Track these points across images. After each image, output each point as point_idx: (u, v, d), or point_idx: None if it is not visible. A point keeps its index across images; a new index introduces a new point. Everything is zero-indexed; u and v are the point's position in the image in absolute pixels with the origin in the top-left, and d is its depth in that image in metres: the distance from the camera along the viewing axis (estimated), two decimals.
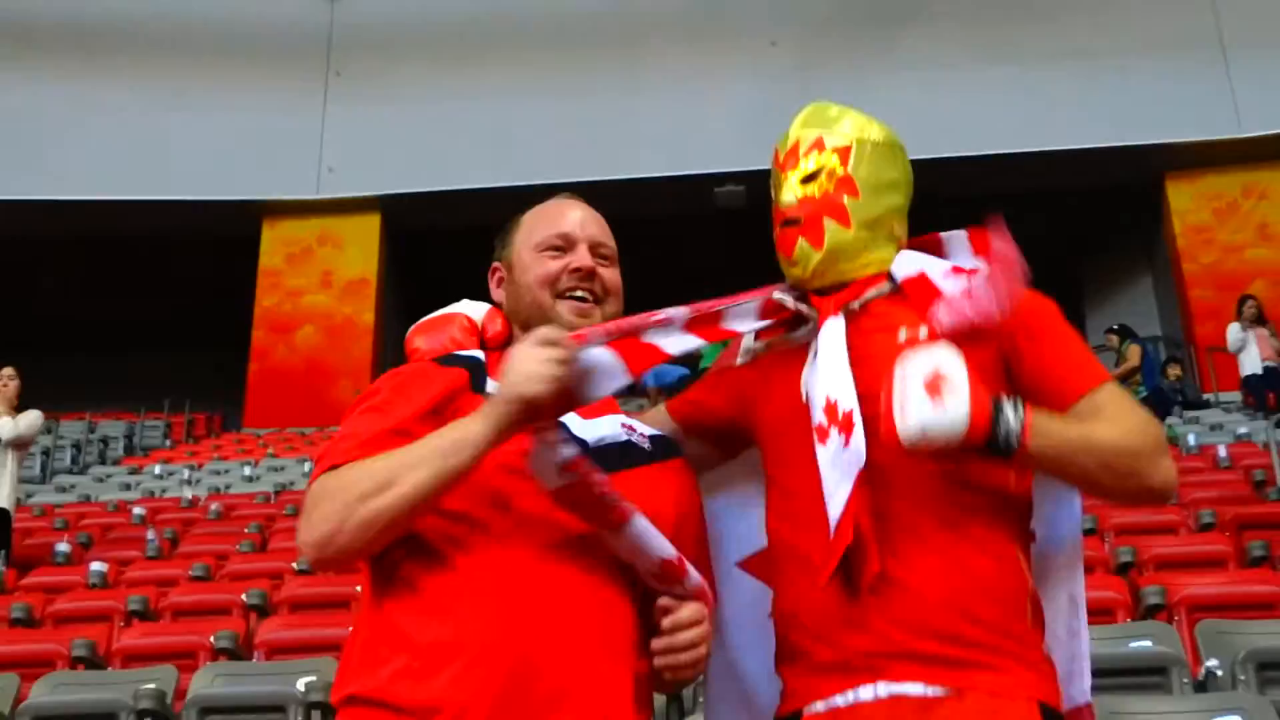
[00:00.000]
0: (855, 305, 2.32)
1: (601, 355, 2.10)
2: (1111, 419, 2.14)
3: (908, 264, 2.37)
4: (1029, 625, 2.17)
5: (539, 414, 1.98)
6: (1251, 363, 14.14)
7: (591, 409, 2.28)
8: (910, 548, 2.14)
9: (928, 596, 2.11)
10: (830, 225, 2.31)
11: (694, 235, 19.21)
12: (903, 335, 2.21)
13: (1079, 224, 19.20)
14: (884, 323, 2.27)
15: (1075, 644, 2.31)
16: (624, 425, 2.34)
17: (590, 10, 20.13)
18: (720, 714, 2.47)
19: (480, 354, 2.32)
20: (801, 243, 2.32)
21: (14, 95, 19.76)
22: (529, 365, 1.97)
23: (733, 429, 2.46)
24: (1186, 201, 18.68)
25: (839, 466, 2.15)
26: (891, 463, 2.13)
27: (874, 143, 2.39)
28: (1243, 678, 5.16)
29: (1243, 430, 12.76)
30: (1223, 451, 10.82)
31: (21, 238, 19.55)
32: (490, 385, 2.20)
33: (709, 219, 18.60)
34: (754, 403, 2.39)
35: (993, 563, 2.16)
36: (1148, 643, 5.36)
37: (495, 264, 2.48)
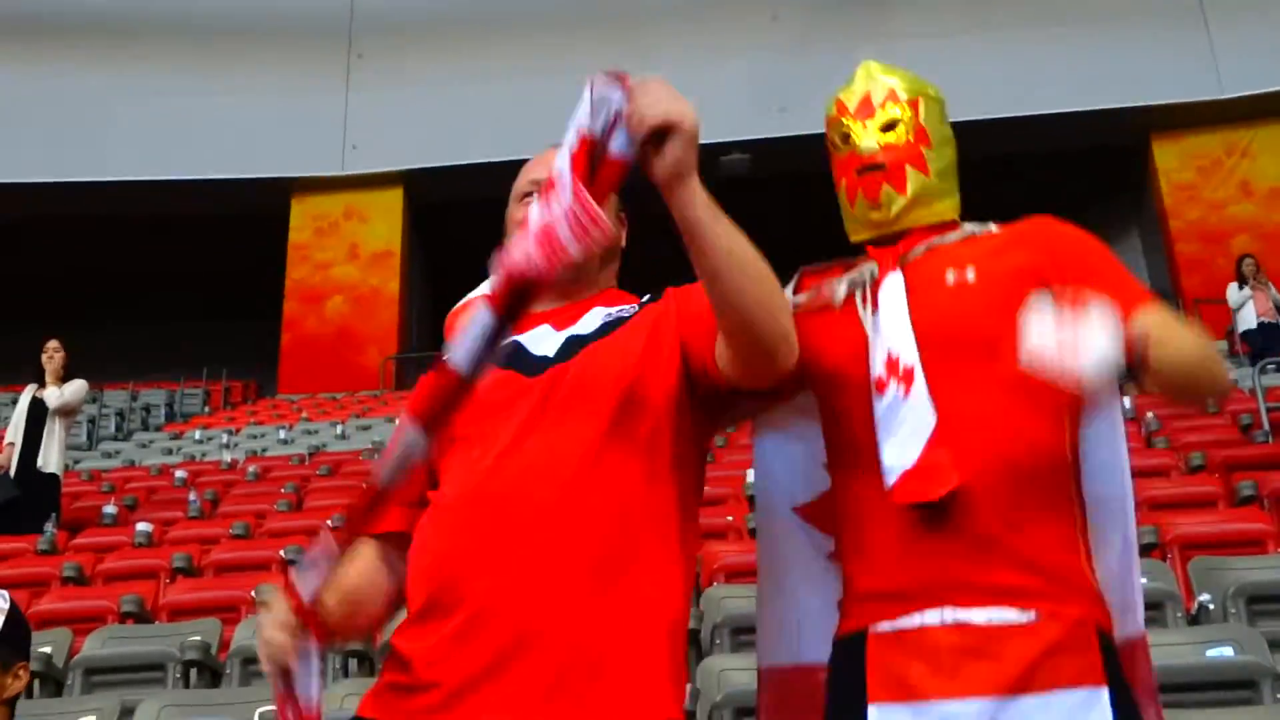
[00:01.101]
0: (918, 252, 2.32)
1: None
2: (1179, 330, 2.12)
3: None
4: (1083, 559, 2.17)
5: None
6: (1249, 319, 14.10)
7: (573, 313, 2.29)
8: (974, 491, 2.12)
9: (992, 534, 2.10)
10: (912, 172, 2.33)
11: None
12: (950, 277, 2.25)
13: (1070, 184, 19.10)
14: (937, 270, 2.28)
15: (1129, 579, 2.29)
16: (611, 310, 2.30)
17: None
18: (776, 651, 2.45)
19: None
20: (887, 188, 2.32)
21: (61, 81, 19.77)
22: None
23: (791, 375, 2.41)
24: (1172, 160, 18.61)
25: (900, 419, 2.15)
26: (947, 416, 2.13)
27: (934, 98, 2.42)
28: (1233, 611, 5.18)
29: (1230, 378, 12.73)
30: (1212, 400, 10.79)
31: (67, 216, 19.61)
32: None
33: (713, 188, 18.45)
34: (807, 352, 2.29)
35: (1050, 504, 2.15)
36: (1143, 580, 5.36)
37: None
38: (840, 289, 2.35)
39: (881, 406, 2.18)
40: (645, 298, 2.34)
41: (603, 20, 19.72)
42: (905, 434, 2.15)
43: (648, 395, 2.15)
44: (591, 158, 1.94)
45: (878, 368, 2.20)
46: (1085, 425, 2.27)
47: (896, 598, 2.15)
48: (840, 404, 2.30)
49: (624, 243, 2.46)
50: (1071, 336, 1.89)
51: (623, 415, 2.11)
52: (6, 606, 2.91)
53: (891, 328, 2.22)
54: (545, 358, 2.20)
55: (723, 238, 1.97)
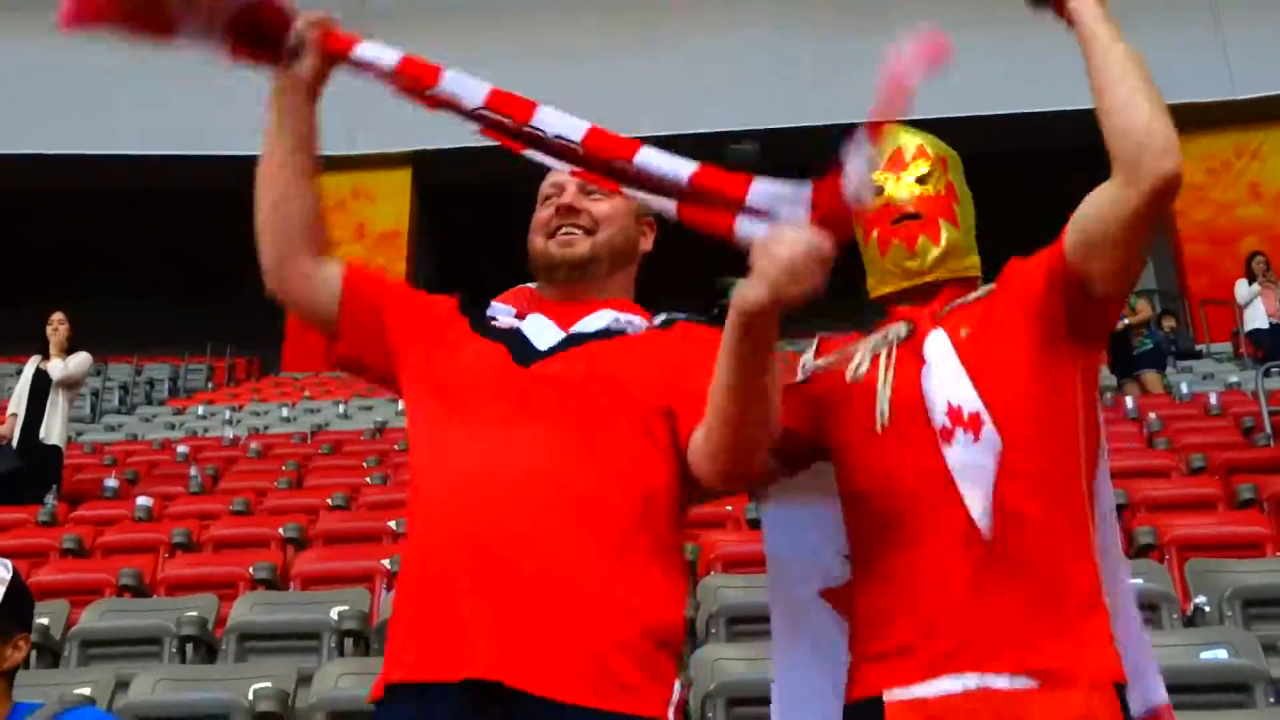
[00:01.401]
0: (946, 310, 2.36)
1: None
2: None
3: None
4: (1101, 608, 2.19)
5: None
6: (1258, 317, 14.01)
7: (581, 311, 2.34)
8: (1019, 539, 2.16)
9: (1029, 587, 2.13)
10: (944, 224, 2.38)
11: None
12: (963, 334, 2.30)
13: (1077, 182, 18.91)
14: (956, 328, 2.32)
15: (1142, 645, 2.34)
16: (619, 316, 2.35)
17: None
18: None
19: (505, 306, 2.42)
20: (923, 238, 2.36)
21: (66, 54, 19.71)
22: None
23: (804, 444, 2.42)
24: (1184, 162, 18.52)
25: (973, 463, 2.18)
26: (1010, 461, 2.18)
27: (956, 159, 2.48)
28: (1229, 613, 5.17)
29: (1233, 379, 12.76)
30: (1214, 399, 10.81)
31: (72, 188, 19.59)
32: (501, 318, 2.37)
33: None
34: (829, 417, 2.38)
35: (1075, 552, 2.19)
36: (1139, 580, 5.35)
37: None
38: (862, 357, 2.36)
39: (955, 454, 2.20)
40: (658, 319, 2.38)
41: (613, 7, 19.69)
42: (983, 477, 2.18)
43: (633, 407, 2.19)
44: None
45: (939, 419, 2.23)
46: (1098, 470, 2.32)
47: (927, 655, 2.15)
48: (887, 463, 2.28)
49: (649, 248, 2.50)
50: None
51: (604, 415, 2.16)
52: (9, 576, 2.90)
53: (948, 379, 2.25)
54: (540, 350, 2.25)
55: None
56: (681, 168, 2.11)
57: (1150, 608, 5.14)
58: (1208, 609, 5.25)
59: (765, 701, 4.23)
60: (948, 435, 2.21)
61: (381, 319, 2.39)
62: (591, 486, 2.10)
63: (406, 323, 2.38)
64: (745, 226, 2.02)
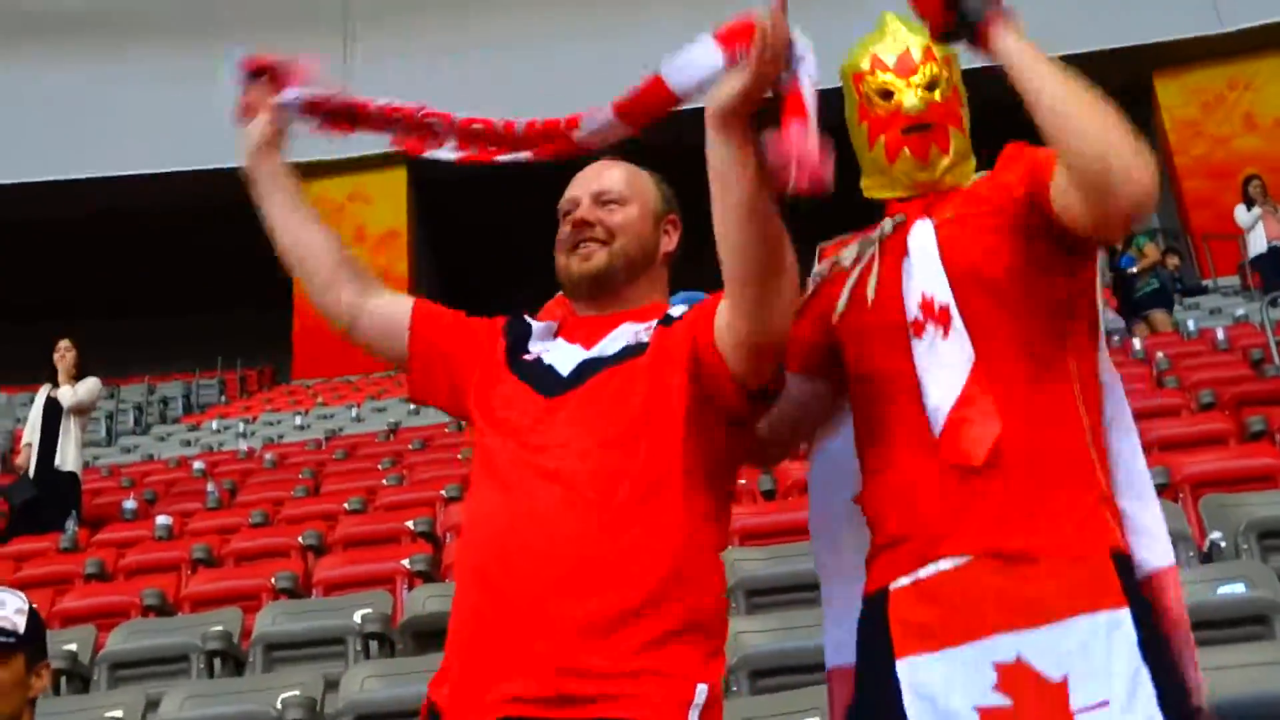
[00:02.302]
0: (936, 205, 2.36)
1: None
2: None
3: None
4: (1092, 458, 2.19)
5: None
6: (1259, 242, 13.85)
7: (607, 327, 2.36)
8: (1007, 440, 2.15)
9: (1022, 485, 2.13)
10: (954, 131, 2.36)
11: (697, 165, 19.06)
12: (948, 215, 2.31)
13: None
14: (957, 212, 2.32)
15: (1149, 508, 2.28)
16: (638, 327, 2.35)
17: None
18: (837, 653, 2.44)
19: (547, 323, 2.46)
20: (934, 148, 2.34)
21: (66, 78, 19.79)
22: None
23: (822, 352, 2.45)
24: (1175, 97, 18.50)
25: (939, 359, 2.21)
26: (983, 352, 2.19)
27: (957, 55, 2.40)
28: (1245, 547, 5.17)
29: (1240, 312, 12.70)
30: (1221, 334, 10.78)
31: (73, 213, 19.60)
32: (534, 344, 2.40)
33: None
34: (832, 320, 2.39)
35: (1058, 415, 2.19)
36: None
37: None
38: (867, 249, 2.37)
39: (921, 348, 2.23)
40: (671, 313, 2.38)
41: None
42: (947, 373, 2.20)
43: (650, 422, 2.20)
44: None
45: (913, 310, 2.25)
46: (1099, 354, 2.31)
47: (918, 544, 2.18)
48: (873, 361, 2.32)
49: (672, 247, 2.49)
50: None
51: (624, 438, 2.17)
52: (27, 609, 2.93)
53: (924, 270, 2.27)
54: (561, 379, 2.28)
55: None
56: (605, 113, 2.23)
57: None
58: (1223, 544, 5.23)
59: (788, 671, 4.27)
60: (919, 329, 2.23)
61: (448, 362, 2.42)
62: (614, 552, 2.10)
63: (466, 363, 2.41)
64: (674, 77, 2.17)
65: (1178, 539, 5.18)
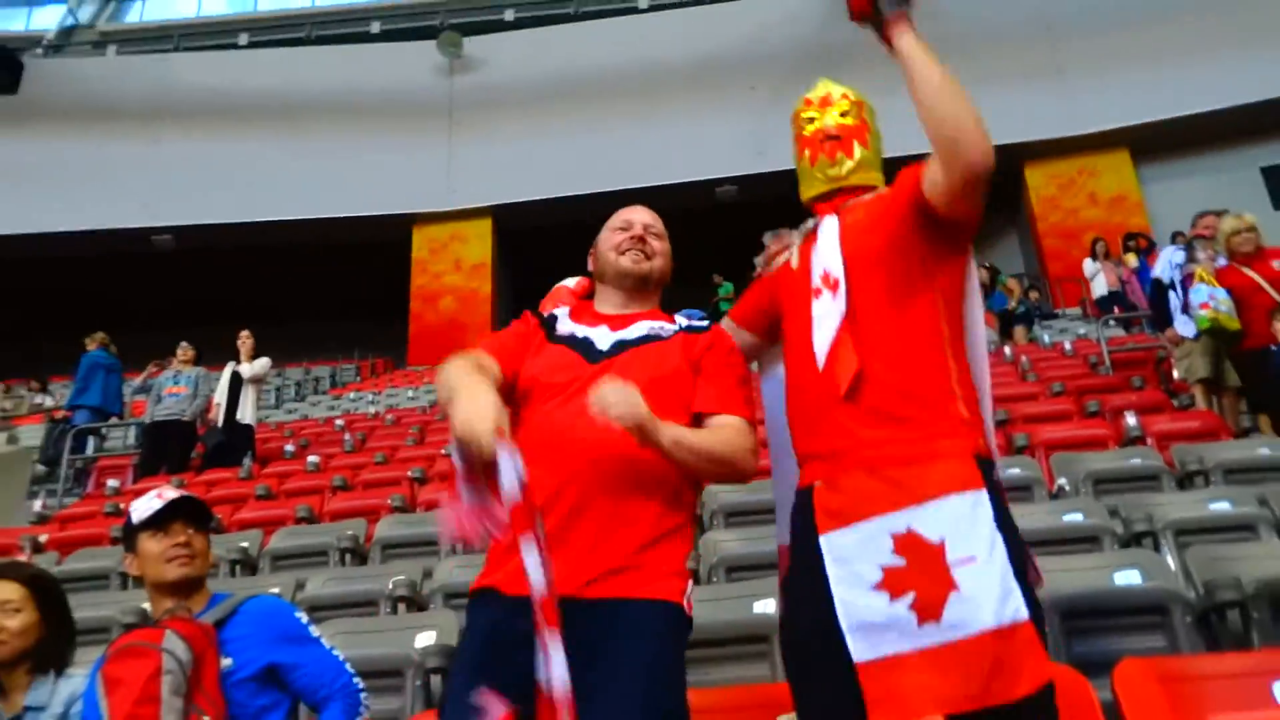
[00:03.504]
0: (849, 205, 2.36)
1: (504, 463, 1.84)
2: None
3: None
4: (959, 406, 2.15)
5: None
6: (1101, 286, 13.82)
7: (627, 321, 2.38)
8: (871, 370, 2.14)
9: (886, 403, 2.11)
10: (857, 145, 2.40)
11: (700, 224, 19.17)
12: (850, 220, 2.30)
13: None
14: (860, 212, 2.33)
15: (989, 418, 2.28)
16: (655, 324, 2.39)
17: (623, 67, 19.94)
18: (782, 534, 2.44)
19: (561, 311, 2.46)
20: (840, 154, 2.39)
21: (251, 147, 19.88)
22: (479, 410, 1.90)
23: (771, 316, 2.47)
24: (1039, 180, 18.35)
25: (824, 315, 2.21)
26: (862, 312, 2.18)
27: (870, 107, 2.49)
28: (1084, 490, 5.14)
29: (1081, 331, 12.71)
30: (1068, 346, 10.75)
31: (258, 245, 19.71)
32: (561, 326, 2.39)
33: (711, 211, 18.45)
34: (774, 295, 2.44)
35: (931, 367, 2.16)
36: (1018, 470, 5.32)
37: (591, 248, 2.58)
38: (796, 242, 2.42)
39: (818, 307, 2.22)
40: (679, 323, 2.41)
41: (634, 90, 19.62)
42: (827, 324, 2.20)
43: (667, 391, 2.23)
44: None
45: (815, 281, 2.26)
46: (965, 305, 2.27)
47: (826, 456, 2.16)
48: (792, 322, 2.33)
49: (666, 280, 2.52)
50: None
51: (655, 390, 2.16)
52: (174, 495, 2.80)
53: (826, 252, 2.28)
54: (601, 351, 2.29)
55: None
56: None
57: (1026, 488, 5.12)
58: (1067, 488, 5.24)
59: (752, 568, 4.22)
60: (817, 293, 2.24)
61: (513, 363, 2.34)
62: (633, 449, 2.08)
63: (520, 356, 2.36)
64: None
65: (1035, 484, 5.17)
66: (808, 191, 2.45)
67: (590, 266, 2.58)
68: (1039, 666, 1.92)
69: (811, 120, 2.45)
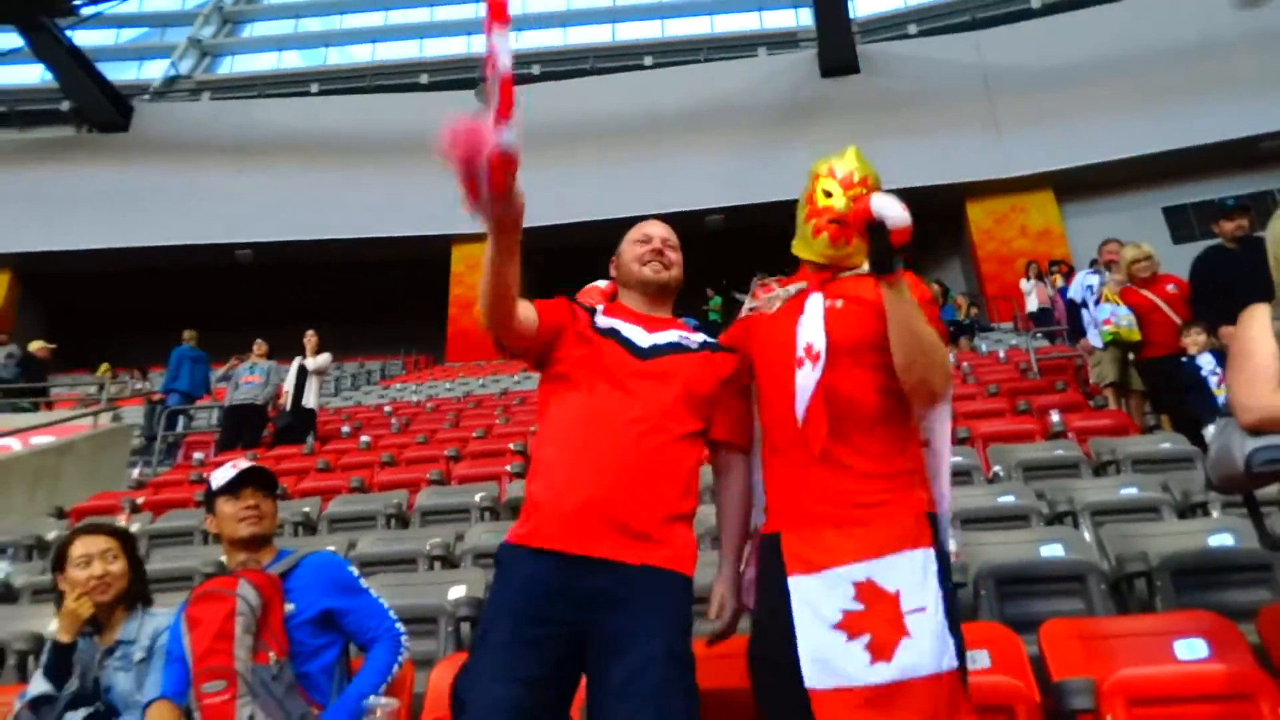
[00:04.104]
0: (832, 281, 2.26)
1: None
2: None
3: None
4: (915, 472, 2.11)
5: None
6: (1033, 303, 13.75)
7: (657, 324, 2.32)
8: (846, 439, 2.08)
9: (852, 464, 2.06)
10: (858, 233, 2.24)
11: (692, 247, 19.08)
12: (839, 304, 2.20)
13: (920, 231, 18.83)
14: (837, 296, 2.23)
15: (945, 490, 2.19)
16: (680, 334, 2.33)
17: (630, 114, 19.90)
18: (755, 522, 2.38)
19: (598, 306, 2.39)
20: (842, 240, 2.26)
21: (317, 177, 19.89)
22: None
23: (747, 356, 2.37)
24: (978, 214, 18.31)
25: (805, 383, 2.11)
26: (837, 385, 2.09)
27: (878, 181, 2.34)
28: (1016, 476, 5.11)
29: (1014, 342, 12.64)
30: (1002, 354, 10.75)
31: (319, 259, 19.71)
32: (599, 320, 2.30)
33: (701, 237, 18.41)
34: (752, 341, 2.32)
35: (897, 443, 2.09)
36: (961, 459, 5.29)
37: (614, 258, 2.50)
38: (776, 303, 2.30)
39: (801, 375, 2.12)
40: (697, 337, 2.34)
41: (638, 133, 19.65)
42: (808, 392, 2.10)
43: (695, 394, 2.20)
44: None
45: (800, 351, 2.15)
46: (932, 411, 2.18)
47: (796, 509, 2.10)
48: (771, 379, 2.23)
49: (682, 279, 2.45)
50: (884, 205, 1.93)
51: (681, 397, 2.16)
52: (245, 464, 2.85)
53: (811, 327, 2.17)
54: (644, 348, 2.23)
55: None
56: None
57: (965, 474, 5.09)
58: (1001, 473, 5.19)
59: None
60: (800, 363, 2.13)
61: (553, 327, 2.26)
62: (668, 437, 2.09)
63: (560, 325, 2.27)
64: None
65: (973, 470, 5.13)
66: (803, 253, 2.34)
67: (612, 273, 2.51)
68: (968, 712, 1.92)
69: (829, 194, 2.30)
